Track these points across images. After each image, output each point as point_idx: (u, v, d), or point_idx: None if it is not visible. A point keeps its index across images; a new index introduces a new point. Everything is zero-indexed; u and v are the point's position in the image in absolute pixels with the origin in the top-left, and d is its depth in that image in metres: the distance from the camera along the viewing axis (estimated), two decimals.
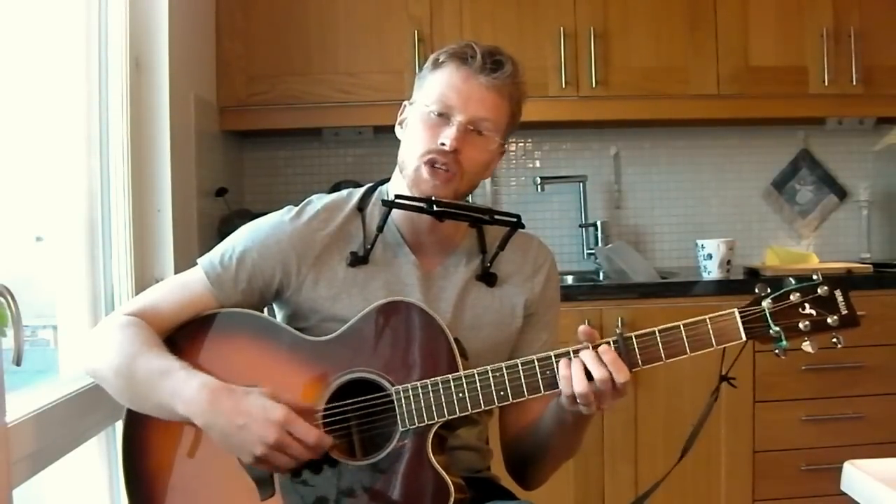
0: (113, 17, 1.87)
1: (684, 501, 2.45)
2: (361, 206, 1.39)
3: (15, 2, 1.73)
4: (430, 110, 1.31)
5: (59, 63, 1.79)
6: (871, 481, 1.15)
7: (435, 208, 1.29)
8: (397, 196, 1.33)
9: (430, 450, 1.20)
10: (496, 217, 1.36)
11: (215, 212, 2.54)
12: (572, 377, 1.16)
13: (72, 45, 1.80)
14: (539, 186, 2.96)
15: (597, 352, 1.17)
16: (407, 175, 1.33)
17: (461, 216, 1.33)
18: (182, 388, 1.19)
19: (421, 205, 1.30)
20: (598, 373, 1.15)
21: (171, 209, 2.04)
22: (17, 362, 1.23)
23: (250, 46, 2.66)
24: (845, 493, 1.21)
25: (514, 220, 1.37)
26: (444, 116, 1.30)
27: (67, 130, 1.80)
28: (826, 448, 2.45)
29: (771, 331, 1.18)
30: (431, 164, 1.30)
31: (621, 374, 1.15)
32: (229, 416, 1.16)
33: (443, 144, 1.28)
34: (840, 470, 1.23)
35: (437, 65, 1.34)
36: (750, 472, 2.48)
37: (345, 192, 1.43)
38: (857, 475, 1.19)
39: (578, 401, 1.17)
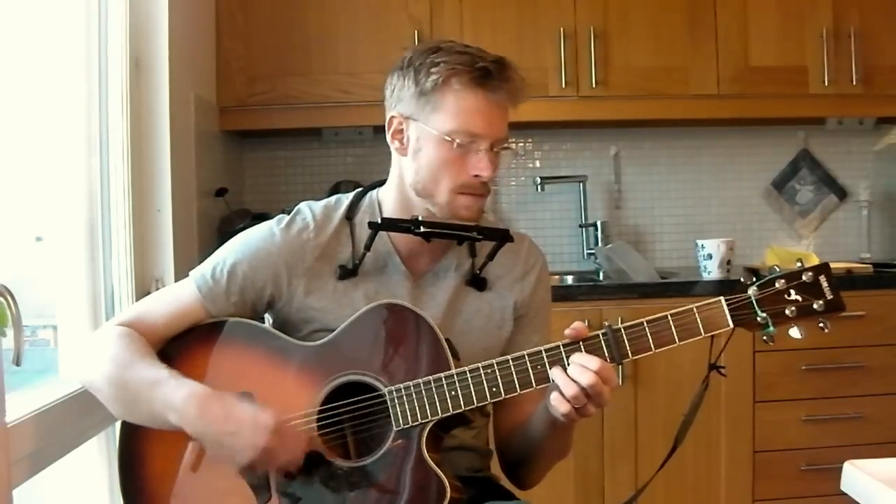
0: (113, 17, 1.87)
1: (684, 501, 2.45)
2: (350, 215, 1.38)
3: (15, 2, 1.73)
4: (452, 141, 1.27)
5: (59, 63, 1.79)
6: (871, 481, 1.14)
7: (422, 229, 1.29)
8: (384, 219, 1.33)
9: (424, 448, 1.20)
10: (483, 234, 1.33)
11: (215, 212, 2.54)
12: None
13: (72, 45, 1.80)
14: (539, 186, 2.96)
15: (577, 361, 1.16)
16: (438, 204, 1.30)
17: (448, 235, 1.32)
18: (172, 399, 1.19)
19: (408, 226, 1.29)
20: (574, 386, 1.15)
21: (171, 209, 2.03)
22: (17, 362, 1.23)
23: (250, 46, 2.65)
24: (845, 493, 1.21)
25: (502, 235, 1.34)
26: (468, 143, 1.27)
27: (67, 130, 1.80)
28: (826, 448, 2.44)
29: (758, 317, 1.18)
30: (466, 192, 1.29)
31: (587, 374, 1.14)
32: (220, 424, 1.16)
33: (477, 176, 1.27)
34: (840, 470, 1.23)
35: (446, 82, 1.26)
36: (750, 472, 2.47)
37: (333, 198, 1.42)
38: (857, 475, 1.18)
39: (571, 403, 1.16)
